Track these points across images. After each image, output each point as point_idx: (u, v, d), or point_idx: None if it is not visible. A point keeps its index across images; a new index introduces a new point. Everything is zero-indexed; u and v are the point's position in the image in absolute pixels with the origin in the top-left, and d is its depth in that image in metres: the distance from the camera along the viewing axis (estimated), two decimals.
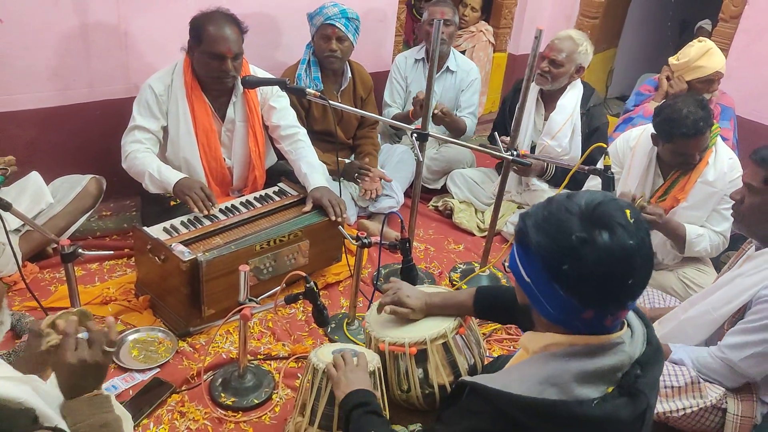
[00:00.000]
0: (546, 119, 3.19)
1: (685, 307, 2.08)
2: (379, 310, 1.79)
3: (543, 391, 1.07)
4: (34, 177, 2.53)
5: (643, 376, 1.12)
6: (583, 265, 1.03)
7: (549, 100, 3.21)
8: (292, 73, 3.09)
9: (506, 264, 1.23)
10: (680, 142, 2.41)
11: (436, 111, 3.24)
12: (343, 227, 2.52)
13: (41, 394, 1.10)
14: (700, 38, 3.07)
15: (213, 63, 2.46)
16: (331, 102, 2.29)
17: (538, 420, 1.06)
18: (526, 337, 1.23)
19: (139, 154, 2.52)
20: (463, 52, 4.15)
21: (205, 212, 2.39)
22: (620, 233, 1.03)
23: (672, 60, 3.11)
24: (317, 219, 2.52)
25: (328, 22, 2.93)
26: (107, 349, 1.23)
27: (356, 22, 3.00)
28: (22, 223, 2.35)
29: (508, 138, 2.54)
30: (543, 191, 3.24)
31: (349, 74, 3.19)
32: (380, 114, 3.54)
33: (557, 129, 3.12)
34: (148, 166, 2.49)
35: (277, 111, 2.74)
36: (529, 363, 1.18)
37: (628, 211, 1.06)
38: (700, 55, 2.99)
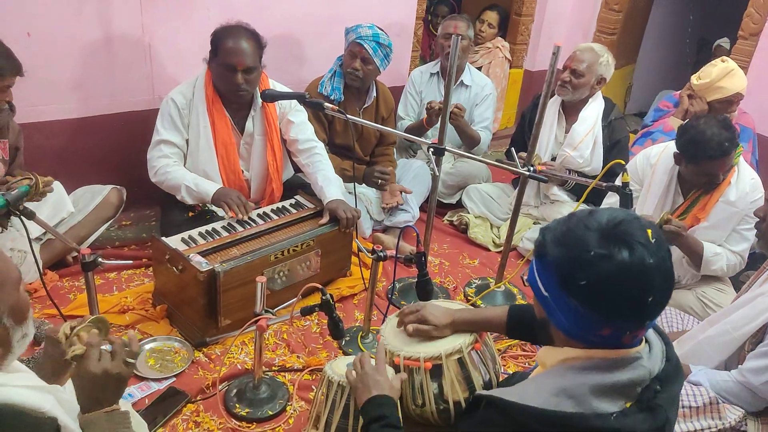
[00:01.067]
0: (567, 132, 3.20)
1: (704, 326, 2.05)
2: (399, 324, 1.78)
3: (559, 403, 1.07)
4: (56, 186, 2.57)
5: (662, 392, 1.12)
6: (600, 281, 1.04)
7: (570, 112, 3.21)
8: (316, 84, 3.13)
9: (525, 278, 1.24)
10: (705, 163, 2.39)
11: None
12: (357, 239, 2.53)
13: (63, 404, 1.12)
14: (723, 58, 3.05)
15: (226, 74, 2.50)
16: (349, 116, 2.31)
17: None
18: (543, 352, 1.23)
19: (170, 168, 2.57)
20: (479, 68, 4.17)
21: (241, 216, 2.46)
22: (639, 251, 1.03)
23: (693, 80, 3.09)
24: (328, 229, 2.55)
25: (358, 41, 2.97)
26: (129, 360, 1.26)
27: (386, 49, 3.03)
28: (44, 231, 2.39)
29: (526, 153, 2.54)
30: (562, 204, 3.24)
31: (374, 93, 3.22)
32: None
33: (579, 140, 3.12)
34: (182, 179, 2.55)
35: (295, 125, 2.77)
36: (545, 375, 1.17)
37: (649, 231, 1.06)
38: (722, 76, 2.97)
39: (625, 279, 1.03)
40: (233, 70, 2.48)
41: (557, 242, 1.10)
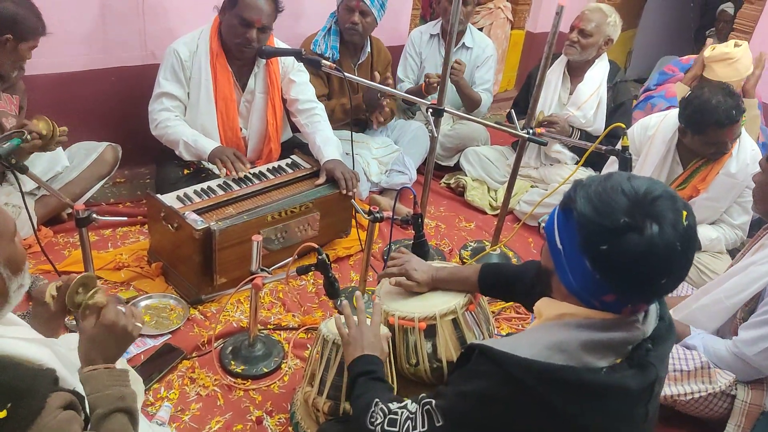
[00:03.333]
0: (571, 93, 3.18)
1: (698, 295, 2.07)
2: (383, 277, 1.81)
3: (551, 356, 1.07)
4: None
5: (653, 350, 1.12)
6: (623, 251, 1.01)
7: (576, 73, 3.19)
8: (309, 42, 3.07)
9: (542, 224, 1.22)
10: (713, 132, 2.35)
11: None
12: (354, 200, 2.52)
13: (60, 357, 1.12)
14: (738, 42, 2.97)
15: (239, 29, 2.45)
16: (347, 74, 2.27)
17: (545, 384, 1.06)
18: (542, 303, 1.22)
19: (171, 123, 2.55)
20: (480, 29, 4.10)
21: (234, 175, 2.43)
22: (670, 232, 1.00)
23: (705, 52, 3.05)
24: (328, 191, 2.53)
25: None
26: (138, 324, 1.30)
27: None
28: (38, 185, 2.36)
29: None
30: (562, 166, 3.23)
31: (368, 49, 3.16)
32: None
33: (584, 100, 3.11)
34: (182, 134, 2.53)
35: (297, 85, 2.73)
36: (539, 329, 1.17)
37: (685, 213, 1.03)
38: (719, 59, 2.89)
39: (647, 256, 1.00)
40: (249, 26, 2.43)
41: (588, 200, 1.05)
